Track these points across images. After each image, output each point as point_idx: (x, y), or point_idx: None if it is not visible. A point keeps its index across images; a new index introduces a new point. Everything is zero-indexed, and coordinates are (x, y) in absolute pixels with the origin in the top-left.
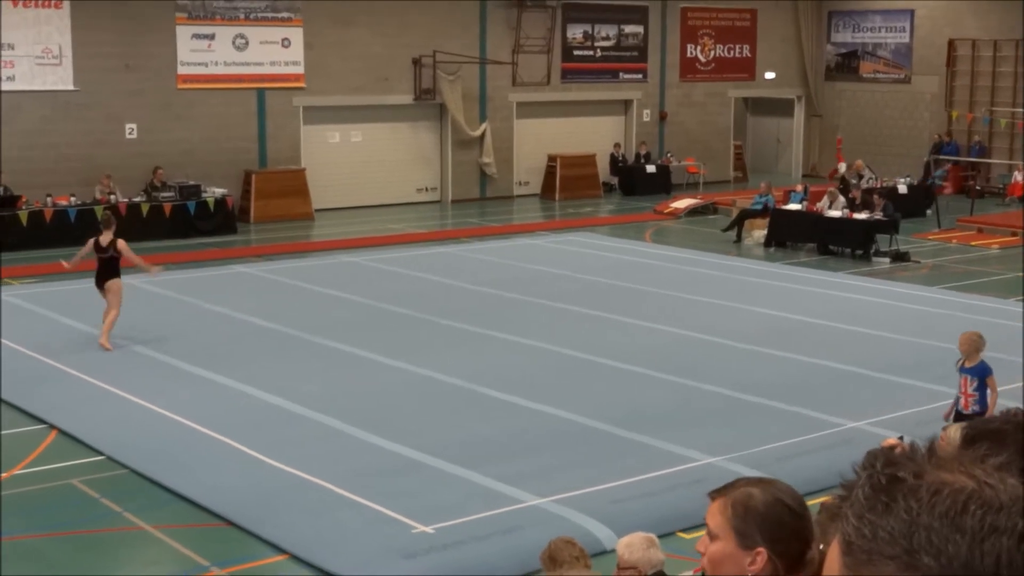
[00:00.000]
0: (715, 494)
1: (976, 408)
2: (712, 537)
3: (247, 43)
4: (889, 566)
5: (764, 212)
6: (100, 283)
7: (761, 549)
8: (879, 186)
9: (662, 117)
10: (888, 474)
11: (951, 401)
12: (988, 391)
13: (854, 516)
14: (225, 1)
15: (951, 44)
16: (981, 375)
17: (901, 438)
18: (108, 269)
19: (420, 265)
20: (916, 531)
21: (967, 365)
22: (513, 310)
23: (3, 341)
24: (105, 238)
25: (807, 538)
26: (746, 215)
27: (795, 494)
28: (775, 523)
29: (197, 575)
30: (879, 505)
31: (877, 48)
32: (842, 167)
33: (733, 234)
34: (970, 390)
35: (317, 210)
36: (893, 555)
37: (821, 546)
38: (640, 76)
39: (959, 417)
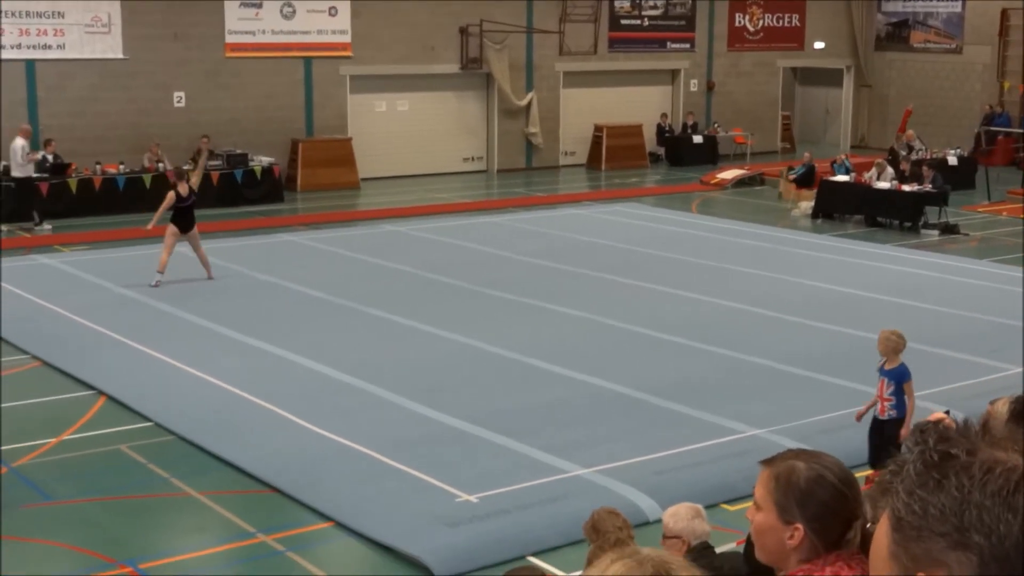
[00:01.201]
0: (764, 463)
1: (893, 414)
2: (757, 507)
3: (294, 12)
4: (939, 543)
5: (806, 179)
6: (187, 229)
7: (799, 525)
8: (928, 158)
9: (709, 87)
10: (940, 450)
11: (868, 401)
12: (905, 397)
13: (905, 492)
14: None
15: (1004, 13)
16: (899, 379)
17: (948, 412)
18: (191, 216)
19: (466, 235)
20: (967, 509)
21: (886, 367)
22: (558, 280)
23: (53, 308)
24: (183, 188)
25: (849, 517)
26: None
27: (842, 471)
28: (816, 500)
29: (243, 541)
30: (930, 481)
31: (928, 17)
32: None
33: (780, 205)
34: (887, 394)
35: (363, 179)
36: (943, 532)
37: (869, 524)
38: (688, 45)
39: (876, 423)
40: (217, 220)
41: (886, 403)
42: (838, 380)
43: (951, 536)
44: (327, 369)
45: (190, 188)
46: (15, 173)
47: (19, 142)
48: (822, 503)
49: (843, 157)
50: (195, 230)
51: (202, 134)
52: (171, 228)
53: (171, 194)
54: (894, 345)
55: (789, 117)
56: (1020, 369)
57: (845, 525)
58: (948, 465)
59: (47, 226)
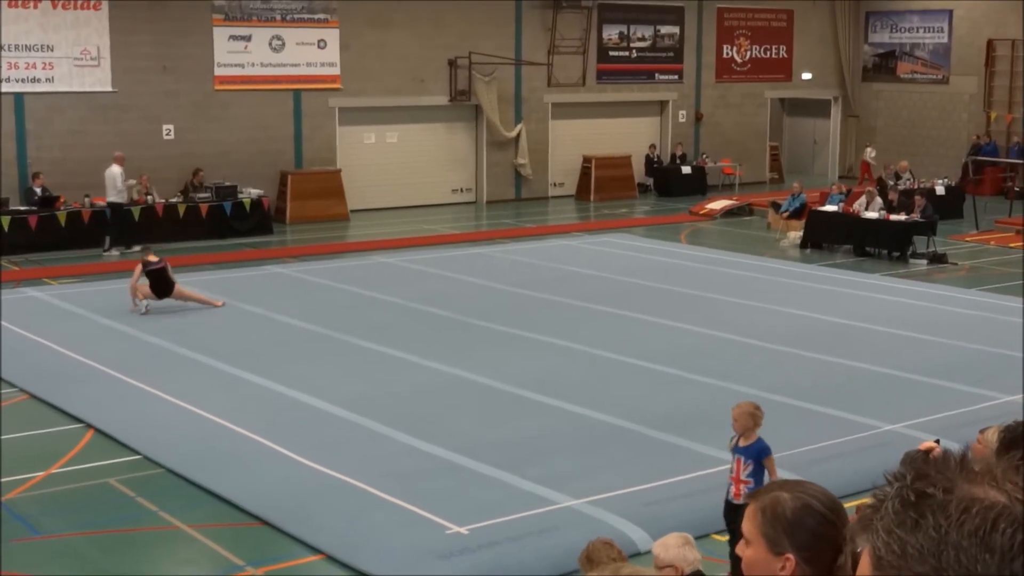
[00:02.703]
0: (749, 498)
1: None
2: (747, 542)
3: (283, 44)
4: None
5: (800, 212)
6: (164, 295)
7: (790, 556)
8: (916, 187)
9: (698, 118)
10: (917, 489)
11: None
12: (766, 474)
13: (884, 530)
14: (261, 2)
15: (990, 44)
16: (757, 456)
17: (938, 441)
18: (166, 281)
19: (455, 266)
20: (945, 549)
21: (741, 444)
22: (548, 311)
23: (42, 340)
24: (153, 257)
25: (838, 544)
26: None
27: (828, 498)
28: (804, 529)
29: (232, 575)
30: (908, 521)
31: (915, 48)
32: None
33: (768, 235)
34: (744, 475)
35: (353, 211)
36: (922, 572)
37: (858, 548)
38: (676, 77)
39: (729, 508)
40: (206, 252)
41: (742, 485)
42: (828, 410)
43: None
44: (316, 401)
45: (160, 259)
46: (111, 199)
47: (115, 169)
48: (810, 531)
49: (843, 188)
50: (176, 288)
51: (195, 167)
52: (146, 289)
53: (138, 266)
54: (756, 419)
55: (777, 148)
56: (1009, 397)
57: (835, 551)
58: (925, 504)
59: (136, 248)
